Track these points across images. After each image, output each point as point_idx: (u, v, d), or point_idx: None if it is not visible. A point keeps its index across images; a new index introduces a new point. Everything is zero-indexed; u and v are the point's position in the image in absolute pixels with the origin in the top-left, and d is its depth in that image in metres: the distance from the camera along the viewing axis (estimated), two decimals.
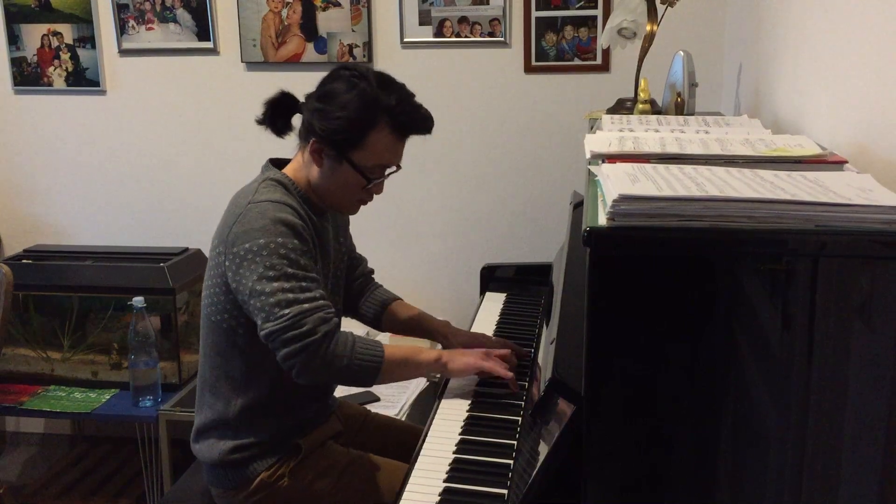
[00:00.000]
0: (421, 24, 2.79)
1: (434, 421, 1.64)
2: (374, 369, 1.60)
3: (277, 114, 1.69)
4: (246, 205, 1.59)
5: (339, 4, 2.80)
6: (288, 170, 1.71)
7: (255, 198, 1.60)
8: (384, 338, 2.78)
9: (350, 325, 2.10)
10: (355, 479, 1.71)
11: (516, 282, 2.40)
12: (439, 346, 1.97)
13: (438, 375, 1.81)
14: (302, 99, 1.69)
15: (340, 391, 2.09)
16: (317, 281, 1.59)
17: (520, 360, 1.83)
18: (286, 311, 1.52)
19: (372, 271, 2.02)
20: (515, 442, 1.52)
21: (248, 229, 1.55)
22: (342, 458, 1.74)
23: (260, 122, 1.70)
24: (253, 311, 1.55)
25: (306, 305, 1.53)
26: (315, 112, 1.61)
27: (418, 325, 1.95)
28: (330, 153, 1.62)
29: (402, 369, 1.67)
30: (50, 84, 3.03)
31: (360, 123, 1.59)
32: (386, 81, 1.64)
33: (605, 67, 2.74)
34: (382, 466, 1.75)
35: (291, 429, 1.70)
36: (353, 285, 1.97)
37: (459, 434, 1.58)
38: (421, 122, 1.64)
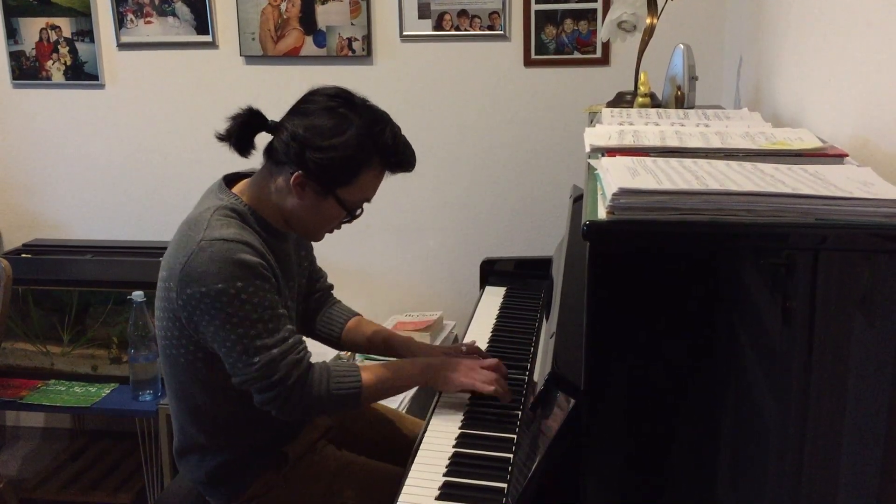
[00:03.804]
0: (420, 17, 2.78)
1: (434, 415, 1.64)
2: (354, 398, 1.57)
3: (243, 133, 1.57)
4: (198, 241, 1.48)
5: None
6: (244, 191, 1.60)
7: (207, 234, 1.49)
8: None
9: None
10: (349, 483, 1.68)
11: (516, 276, 2.40)
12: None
13: None
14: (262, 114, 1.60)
15: None
16: (283, 317, 1.53)
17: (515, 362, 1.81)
18: (255, 359, 1.48)
19: (331, 287, 1.94)
20: (515, 436, 1.52)
21: (204, 272, 1.46)
22: (333, 462, 1.71)
23: (222, 139, 1.57)
24: (220, 355, 1.52)
25: (275, 351, 1.49)
26: (305, 146, 1.51)
27: (380, 343, 1.86)
28: (315, 188, 1.55)
29: (384, 390, 1.63)
30: (48, 78, 3.02)
31: (355, 163, 1.54)
32: (375, 116, 1.57)
33: (604, 61, 2.73)
34: (376, 470, 1.72)
35: (273, 439, 1.67)
36: (310, 300, 1.88)
37: (459, 428, 1.58)
38: (410, 161, 1.62)
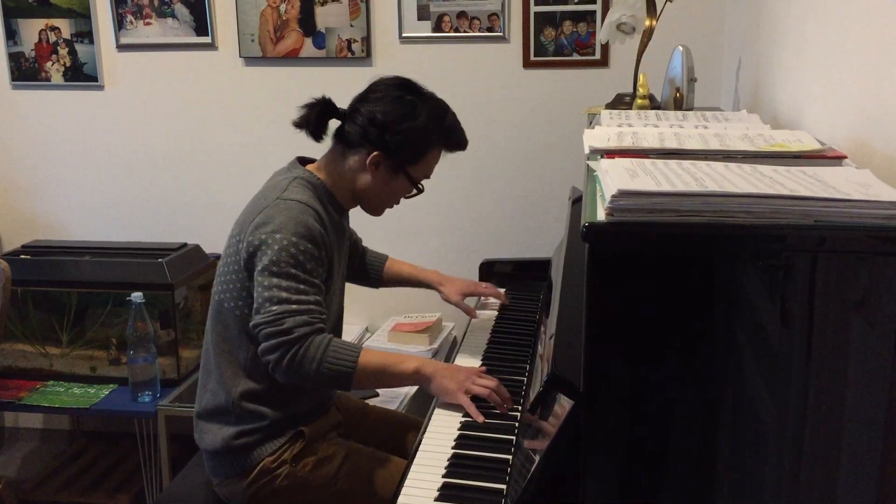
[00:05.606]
0: (419, 18, 2.79)
1: (433, 415, 1.64)
2: (346, 376, 1.60)
3: (319, 120, 1.73)
4: (274, 199, 1.66)
5: None
6: (318, 170, 1.76)
7: (284, 195, 1.67)
8: (386, 332, 2.78)
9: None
10: (355, 471, 1.73)
11: (515, 277, 2.41)
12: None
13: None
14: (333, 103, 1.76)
15: None
16: (317, 287, 1.63)
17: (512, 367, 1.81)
18: (274, 307, 1.58)
19: (360, 239, 2.17)
20: (514, 437, 1.52)
21: (270, 220, 1.62)
22: (343, 449, 1.76)
23: (300, 126, 1.73)
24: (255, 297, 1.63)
25: (294, 306, 1.58)
26: (384, 129, 1.69)
27: (413, 279, 2.18)
28: (388, 165, 1.73)
29: (378, 378, 1.69)
30: (48, 79, 3.02)
31: (424, 143, 1.74)
32: (439, 103, 1.77)
33: (603, 62, 2.74)
34: (383, 460, 1.76)
35: (293, 417, 1.73)
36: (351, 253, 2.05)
37: (458, 429, 1.58)
38: (465, 141, 1.84)
